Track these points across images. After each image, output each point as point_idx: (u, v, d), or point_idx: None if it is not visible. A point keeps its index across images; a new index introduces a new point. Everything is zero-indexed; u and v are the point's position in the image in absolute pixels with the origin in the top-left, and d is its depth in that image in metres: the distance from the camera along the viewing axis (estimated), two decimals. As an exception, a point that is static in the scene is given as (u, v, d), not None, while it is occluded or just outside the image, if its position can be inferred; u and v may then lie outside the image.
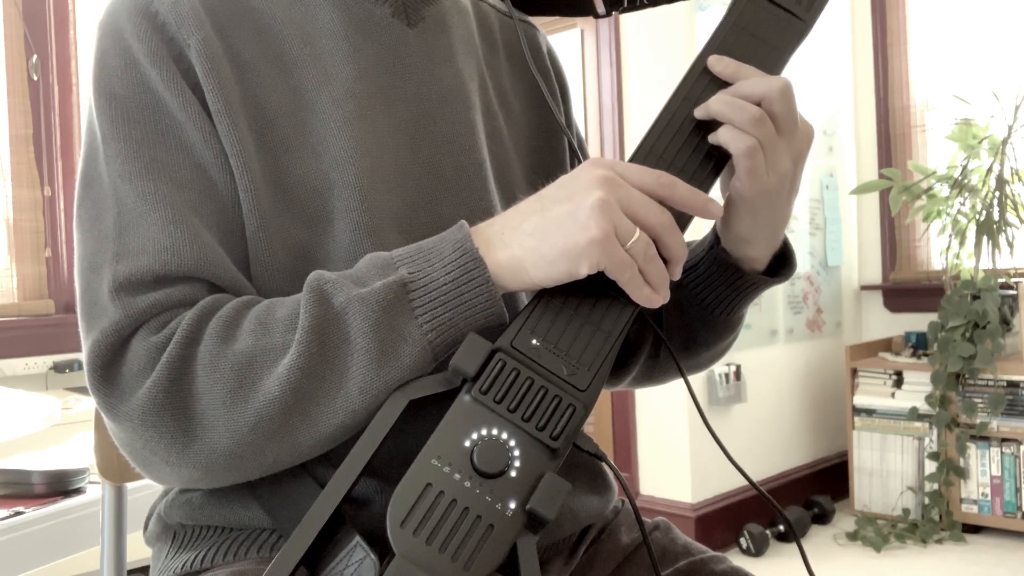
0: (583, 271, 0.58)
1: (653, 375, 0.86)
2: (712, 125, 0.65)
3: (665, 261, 0.61)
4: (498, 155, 0.78)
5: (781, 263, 0.75)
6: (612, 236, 0.57)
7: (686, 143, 0.66)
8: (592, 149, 3.01)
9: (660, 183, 0.61)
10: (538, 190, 0.62)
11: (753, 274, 0.73)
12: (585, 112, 3.06)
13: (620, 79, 2.90)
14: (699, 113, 0.65)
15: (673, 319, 0.79)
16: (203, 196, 0.64)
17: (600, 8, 0.80)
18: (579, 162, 0.74)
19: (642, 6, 0.81)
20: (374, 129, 0.70)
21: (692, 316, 0.78)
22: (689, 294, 0.77)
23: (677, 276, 0.62)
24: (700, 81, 0.67)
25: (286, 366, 0.57)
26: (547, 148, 0.84)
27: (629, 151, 0.67)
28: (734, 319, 0.79)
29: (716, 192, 0.68)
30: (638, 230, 0.59)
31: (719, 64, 0.67)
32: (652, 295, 0.60)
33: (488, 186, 0.75)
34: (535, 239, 0.59)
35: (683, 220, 0.64)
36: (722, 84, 0.66)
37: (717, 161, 0.66)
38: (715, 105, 0.65)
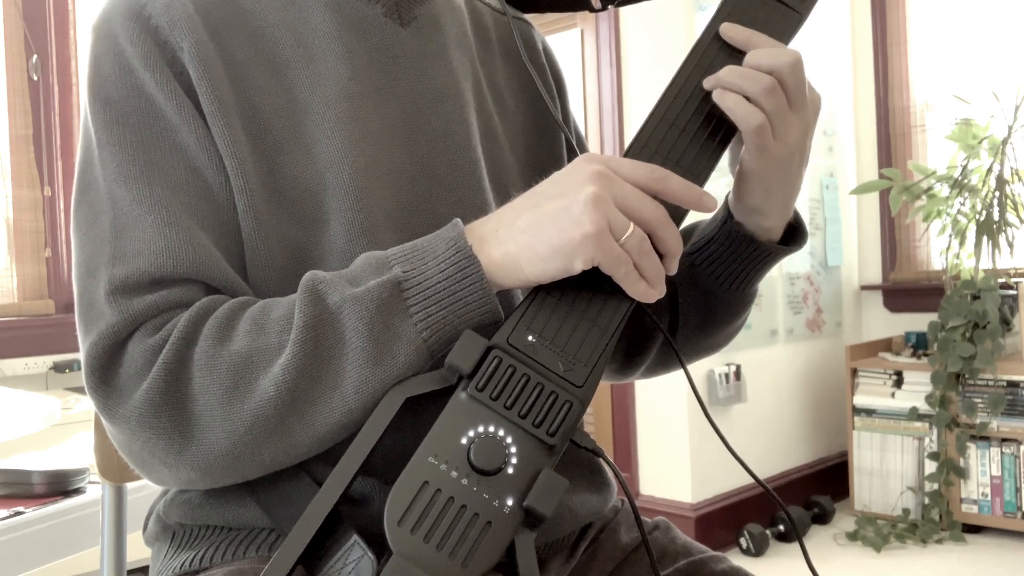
0: (577, 266, 0.58)
1: (669, 361, 0.86)
2: (714, 109, 0.65)
3: (661, 256, 0.61)
4: (493, 153, 0.78)
5: (793, 232, 0.76)
6: (606, 231, 0.57)
7: (683, 135, 0.65)
8: (592, 149, 3.00)
9: (653, 177, 0.61)
10: (532, 187, 0.62)
11: (770, 244, 0.74)
12: (585, 112, 3.06)
13: (620, 79, 2.90)
14: (708, 83, 0.65)
15: (689, 299, 0.79)
16: (198, 198, 0.64)
17: (596, 2, 0.80)
18: None
19: None
20: (368, 129, 0.70)
21: (708, 294, 0.78)
22: (704, 272, 0.77)
23: (673, 270, 0.62)
24: (695, 76, 0.67)
25: (282, 366, 0.57)
26: (544, 145, 0.84)
27: (629, 151, 0.68)
28: (749, 293, 0.79)
29: (718, 176, 0.68)
30: (632, 224, 0.59)
31: (732, 30, 0.67)
32: (648, 290, 0.60)
33: (483, 184, 0.75)
34: (529, 235, 0.59)
35: (678, 214, 0.64)
36: (724, 64, 0.66)
37: (716, 148, 0.66)
38: (726, 76, 0.65)
